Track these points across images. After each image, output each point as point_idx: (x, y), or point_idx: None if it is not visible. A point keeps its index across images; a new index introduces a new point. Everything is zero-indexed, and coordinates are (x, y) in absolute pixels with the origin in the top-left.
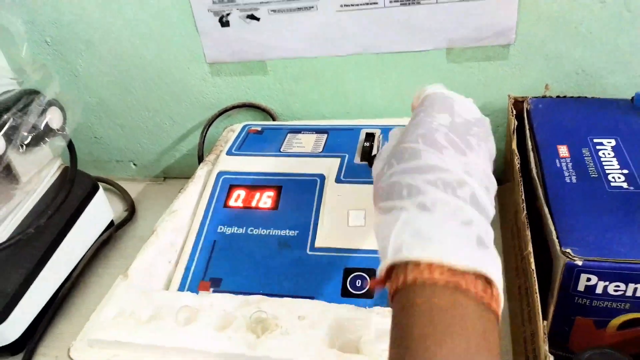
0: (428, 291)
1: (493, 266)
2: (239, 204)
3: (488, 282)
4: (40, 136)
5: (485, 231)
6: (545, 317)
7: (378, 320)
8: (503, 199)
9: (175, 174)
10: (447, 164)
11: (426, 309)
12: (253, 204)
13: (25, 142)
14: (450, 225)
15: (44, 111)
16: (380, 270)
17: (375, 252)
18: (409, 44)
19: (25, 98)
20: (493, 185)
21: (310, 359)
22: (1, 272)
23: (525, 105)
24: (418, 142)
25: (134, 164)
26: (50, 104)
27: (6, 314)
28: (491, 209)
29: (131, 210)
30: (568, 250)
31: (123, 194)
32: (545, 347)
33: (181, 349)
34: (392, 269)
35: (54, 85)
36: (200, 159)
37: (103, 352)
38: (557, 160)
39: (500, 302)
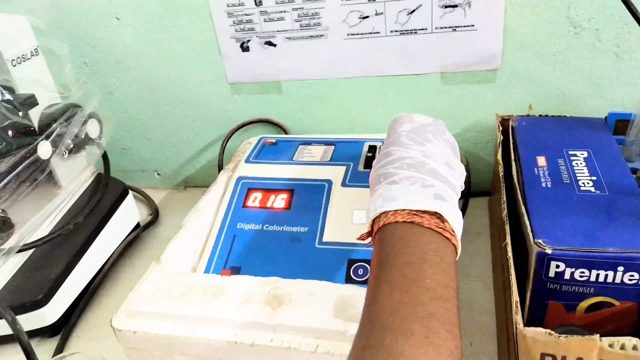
0: (392, 227)
1: (447, 209)
2: (256, 204)
3: (443, 220)
4: (81, 144)
5: (444, 191)
6: (522, 304)
7: None
8: (492, 209)
9: (196, 183)
10: (409, 154)
11: (391, 239)
12: (268, 205)
13: (68, 149)
14: (411, 188)
15: (84, 122)
16: (367, 227)
17: None
18: (407, 68)
19: (70, 111)
20: (457, 164)
21: (319, 325)
22: (44, 262)
23: (510, 123)
24: (389, 147)
25: (158, 174)
26: (89, 116)
27: (48, 298)
28: (454, 180)
29: (155, 215)
30: (540, 241)
31: (148, 200)
32: (517, 316)
33: (209, 318)
34: (373, 227)
35: (93, 101)
36: (220, 168)
37: (141, 322)
38: (535, 169)
39: (457, 236)
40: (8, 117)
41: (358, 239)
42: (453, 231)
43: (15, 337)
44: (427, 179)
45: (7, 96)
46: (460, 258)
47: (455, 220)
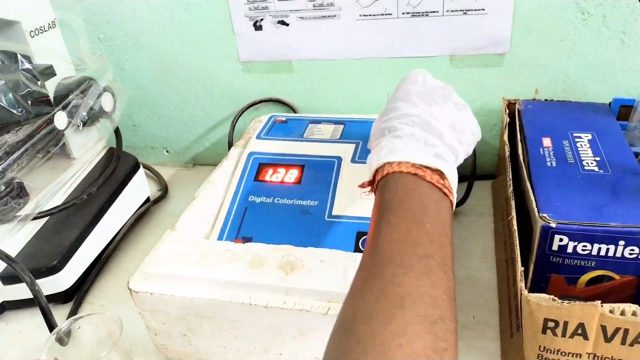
0: (396, 177)
1: (447, 168)
2: (267, 178)
3: (443, 177)
4: (95, 117)
5: (445, 153)
6: (525, 278)
7: None
8: (496, 191)
9: (204, 161)
10: (416, 111)
11: (394, 187)
12: (279, 179)
13: (83, 121)
14: (415, 144)
15: (99, 96)
16: (368, 177)
17: None
18: (418, 50)
19: (85, 83)
20: (465, 127)
21: (330, 289)
22: (58, 229)
23: (517, 106)
24: (397, 102)
25: (167, 151)
26: (104, 89)
27: (62, 264)
28: (457, 143)
29: (164, 191)
30: (545, 215)
31: (157, 177)
32: (521, 284)
33: (224, 281)
34: (375, 176)
35: (108, 74)
36: (230, 145)
37: (158, 284)
38: (541, 149)
39: (453, 192)
40: (28, 85)
41: (359, 186)
42: (451, 188)
43: (34, 297)
44: (430, 138)
45: (27, 65)
46: (464, 237)
47: (453, 179)
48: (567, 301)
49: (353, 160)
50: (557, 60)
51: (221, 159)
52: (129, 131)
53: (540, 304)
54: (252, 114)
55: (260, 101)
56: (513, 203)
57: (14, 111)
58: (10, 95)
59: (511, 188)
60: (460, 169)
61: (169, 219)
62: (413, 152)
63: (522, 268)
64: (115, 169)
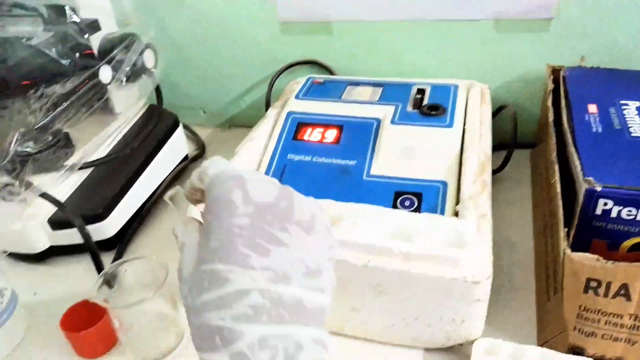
0: None
1: None
2: (306, 137)
3: None
4: (137, 73)
5: (320, 334)
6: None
7: (426, 221)
8: (534, 160)
9: (240, 123)
10: (253, 279)
11: None
12: (318, 139)
13: (127, 77)
14: None
15: (142, 52)
16: None
17: (423, 180)
18: (461, 12)
19: (129, 39)
20: (319, 258)
21: (370, 242)
22: (102, 181)
23: (561, 73)
24: (214, 260)
25: (204, 111)
26: (146, 46)
27: (107, 214)
28: (321, 298)
29: (202, 150)
30: (589, 178)
31: (194, 136)
32: (564, 242)
33: None
34: None
35: (150, 32)
36: (268, 106)
37: None
38: (586, 115)
39: None
40: (75, 38)
41: None
42: None
43: (84, 240)
44: (290, 331)
45: (74, 18)
46: (501, 203)
47: None
48: (612, 261)
49: (393, 122)
50: (605, 27)
51: (257, 121)
52: (168, 90)
53: (584, 263)
54: (288, 77)
55: (298, 63)
56: (557, 167)
57: (63, 62)
58: (60, 46)
59: (555, 152)
60: (499, 137)
61: None
62: None
63: (566, 229)
64: (156, 125)
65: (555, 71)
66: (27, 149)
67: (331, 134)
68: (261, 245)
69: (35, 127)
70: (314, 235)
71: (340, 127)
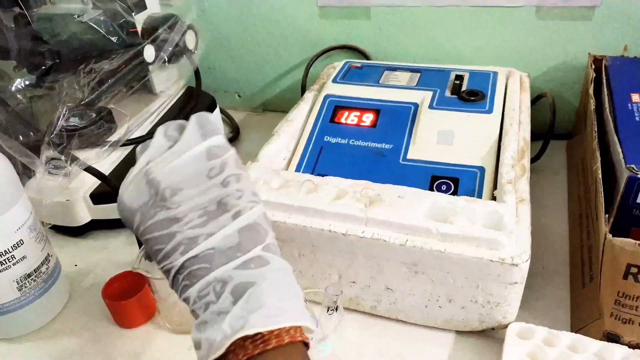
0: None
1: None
2: (343, 120)
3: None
4: (179, 53)
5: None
6: None
7: (465, 204)
8: (571, 151)
9: (274, 107)
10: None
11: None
12: (355, 122)
13: (169, 56)
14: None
15: (184, 33)
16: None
17: (460, 165)
18: None
19: (172, 19)
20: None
21: (408, 222)
22: None
23: (604, 62)
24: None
25: (239, 95)
26: (188, 27)
27: None
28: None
29: (236, 132)
30: (632, 166)
31: (229, 119)
32: (606, 227)
33: (305, 208)
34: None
35: (192, 13)
36: (304, 90)
37: None
38: (629, 104)
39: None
40: (123, 15)
41: None
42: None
43: None
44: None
45: None
46: (537, 192)
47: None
48: None
49: (431, 107)
50: None
51: (291, 105)
52: (204, 73)
53: (624, 248)
54: (324, 62)
55: (334, 47)
56: (598, 154)
57: (112, 39)
58: (109, 23)
59: (596, 140)
60: (536, 127)
61: (242, 159)
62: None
63: (606, 215)
64: (195, 107)
65: (596, 60)
66: (74, 124)
67: (368, 118)
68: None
69: (82, 102)
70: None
71: (377, 111)
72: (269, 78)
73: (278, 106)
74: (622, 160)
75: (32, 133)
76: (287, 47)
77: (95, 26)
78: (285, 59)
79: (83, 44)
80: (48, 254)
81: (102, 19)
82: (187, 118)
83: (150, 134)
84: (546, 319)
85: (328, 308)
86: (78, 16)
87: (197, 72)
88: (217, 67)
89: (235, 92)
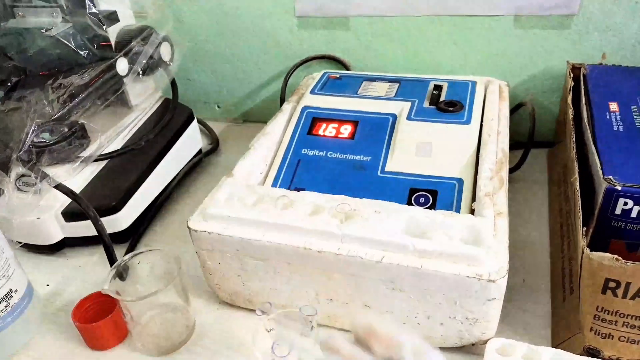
0: None
1: None
2: (321, 132)
3: None
4: (154, 66)
5: None
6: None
7: (442, 219)
8: (552, 160)
9: (254, 118)
10: None
11: None
12: (332, 134)
13: (143, 69)
14: None
15: (158, 45)
16: None
17: (439, 177)
18: (480, 8)
19: (146, 31)
20: None
21: (385, 238)
22: (117, 173)
23: (582, 71)
24: None
25: (218, 106)
26: (163, 39)
27: (121, 205)
28: None
29: (215, 144)
30: (610, 177)
31: (208, 131)
32: (583, 242)
33: (280, 225)
34: None
35: (167, 25)
36: (282, 100)
37: (215, 225)
38: (607, 114)
39: None
40: (94, 29)
41: None
42: None
43: (97, 232)
44: None
45: (93, 9)
46: (518, 203)
47: None
48: (632, 262)
49: (409, 118)
50: (628, 24)
51: (271, 116)
52: (183, 85)
53: (602, 263)
54: (303, 72)
55: (314, 58)
56: (576, 165)
57: (82, 53)
58: (79, 37)
59: (574, 150)
60: (517, 135)
61: (221, 171)
62: None
63: (584, 228)
64: (171, 119)
65: (575, 69)
66: (43, 140)
67: (346, 129)
68: None
69: (52, 118)
70: None
71: (355, 123)
72: (249, 89)
73: (258, 117)
74: (600, 171)
75: (0, 149)
76: (266, 58)
77: (64, 40)
78: (264, 69)
79: (52, 58)
80: (10, 289)
81: (71, 32)
82: (163, 130)
83: (124, 148)
84: (527, 334)
85: (303, 328)
86: (46, 30)
87: (173, 84)
88: (195, 78)
89: (215, 102)
